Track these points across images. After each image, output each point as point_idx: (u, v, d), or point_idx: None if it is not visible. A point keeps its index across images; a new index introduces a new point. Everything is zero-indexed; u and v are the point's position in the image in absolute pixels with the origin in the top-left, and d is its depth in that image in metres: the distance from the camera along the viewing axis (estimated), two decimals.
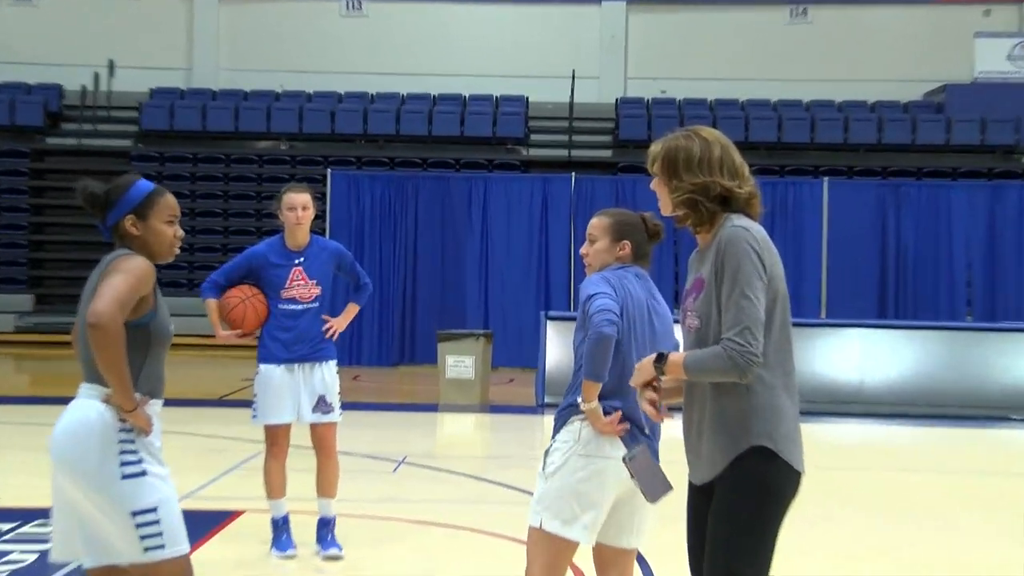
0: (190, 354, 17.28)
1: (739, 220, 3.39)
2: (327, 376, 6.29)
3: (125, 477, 3.63)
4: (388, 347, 17.58)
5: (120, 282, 3.63)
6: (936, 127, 21.24)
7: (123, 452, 3.66)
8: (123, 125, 22.04)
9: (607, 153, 21.88)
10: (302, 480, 6.76)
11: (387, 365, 17.45)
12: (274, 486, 6.26)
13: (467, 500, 8.17)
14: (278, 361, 6.22)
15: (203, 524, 6.43)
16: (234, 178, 21.19)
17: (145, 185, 3.88)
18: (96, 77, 21.49)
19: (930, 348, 13.39)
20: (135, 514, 3.62)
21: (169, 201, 3.89)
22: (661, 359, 3.38)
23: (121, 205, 3.85)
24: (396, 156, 21.06)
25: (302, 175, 20.74)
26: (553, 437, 4.23)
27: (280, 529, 6.27)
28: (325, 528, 6.34)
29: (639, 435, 4.10)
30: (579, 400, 4.12)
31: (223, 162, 21.31)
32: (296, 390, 6.22)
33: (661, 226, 4.37)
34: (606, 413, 4.10)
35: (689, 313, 3.42)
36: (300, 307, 6.22)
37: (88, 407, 3.67)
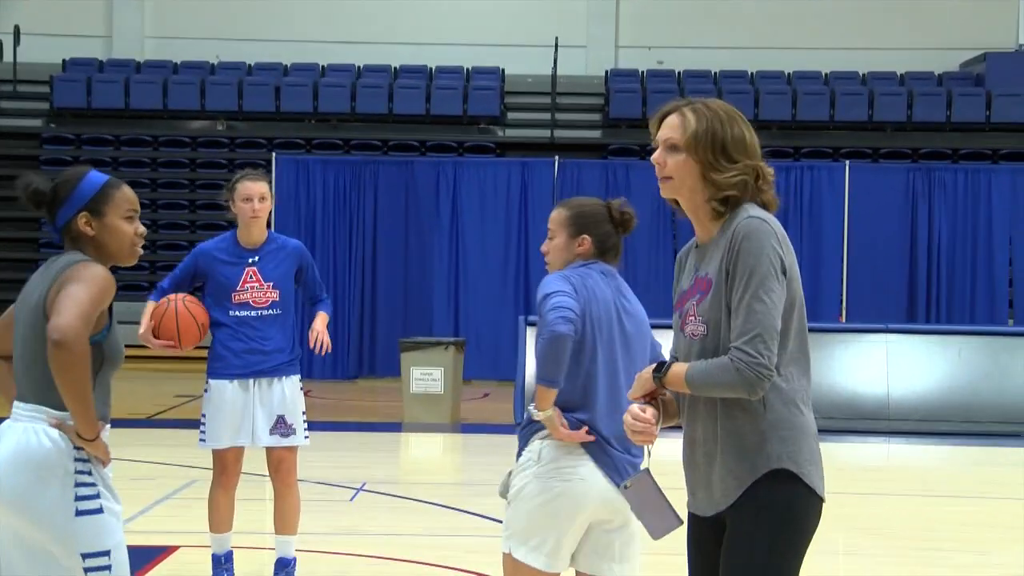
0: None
1: (755, 210, 3.38)
2: (288, 393, 6.31)
3: (80, 513, 3.66)
4: (344, 358, 17.65)
5: (83, 294, 3.64)
6: (974, 102, 21.46)
7: (79, 485, 3.69)
8: (32, 102, 22.03)
9: (595, 134, 22.00)
10: (247, 510, 6.84)
11: (343, 378, 17.53)
12: (220, 519, 6.29)
13: (436, 532, 8.26)
14: (230, 376, 6.23)
15: (133, 561, 6.50)
16: (163, 163, 21.22)
17: (97, 177, 3.94)
18: (0, 46, 21.47)
19: (966, 356, 13.55)
20: (86, 556, 3.65)
21: (127, 194, 3.95)
22: (661, 369, 3.39)
23: (72, 202, 3.88)
24: (352, 138, 21.11)
25: (243, 159, 20.77)
26: (517, 457, 4.39)
27: (220, 568, 6.33)
28: (283, 571, 6.38)
29: (613, 452, 4.26)
30: (531, 409, 4.25)
31: (150, 145, 21.33)
32: (250, 409, 6.25)
33: (631, 215, 4.55)
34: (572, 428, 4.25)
35: (691, 318, 3.39)
36: (254, 313, 6.24)
37: (34, 432, 3.67)
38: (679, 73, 22.33)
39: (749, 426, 3.32)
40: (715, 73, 22.29)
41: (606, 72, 22.51)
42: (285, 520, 6.38)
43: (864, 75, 22.28)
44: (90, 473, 3.71)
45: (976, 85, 22.10)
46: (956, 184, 18.11)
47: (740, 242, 3.31)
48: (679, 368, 3.36)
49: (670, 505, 3.52)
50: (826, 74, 22.29)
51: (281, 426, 6.30)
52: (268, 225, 6.49)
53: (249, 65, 22.39)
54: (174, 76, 21.90)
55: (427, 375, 13.48)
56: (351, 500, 9.29)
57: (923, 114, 21.38)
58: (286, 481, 6.36)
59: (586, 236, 4.47)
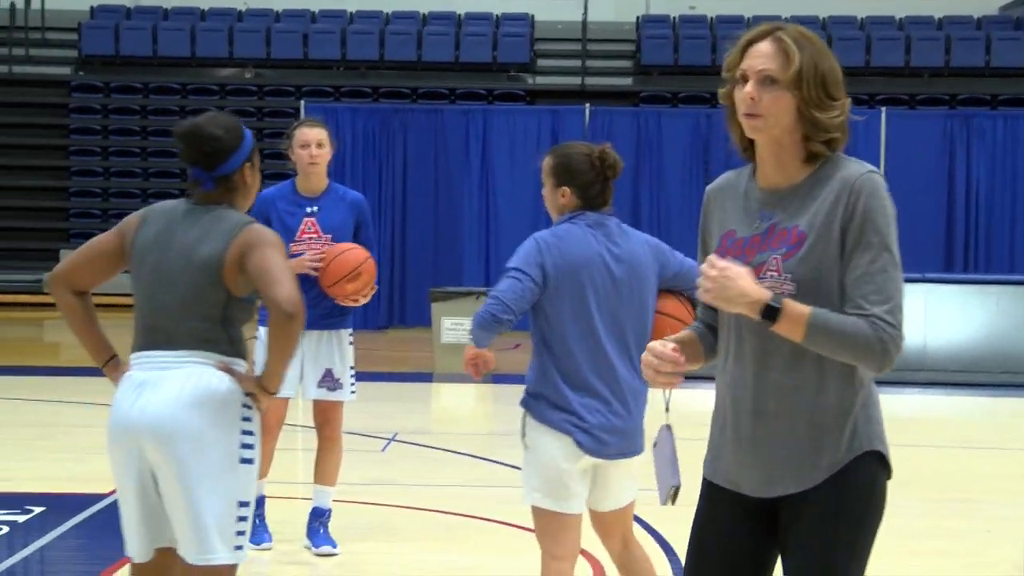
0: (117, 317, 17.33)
1: (862, 163, 3.04)
2: (338, 347, 6.31)
3: (242, 461, 3.79)
4: (374, 308, 17.65)
5: (281, 259, 3.80)
6: (1014, 47, 21.21)
7: (243, 432, 3.80)
8: (60, 50, 22.02)
9: (627, 81, 21.86)
10: (277, 459, 6.84)
11: (373, 329, 17.54)
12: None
13: (467, 483, 8.27)
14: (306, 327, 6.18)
15: None
16: (191, 111, 21.11)
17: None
18: None
19: (1005, 306, 13.45)
20: (240, 505, 3.78)
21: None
22: (772, 308, 2.88)
23: (242, 150, 3.92)
24: (380, 85, 21.04)
25: (271, 108, 20.75)
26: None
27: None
28: (318, 520, 6.40)
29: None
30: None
31: (178, 93, 21.30)
32: (299, 360, 6.23)
33: (614, 159, 4.49)
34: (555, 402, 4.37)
35: (772, 274, 2.96)
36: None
37: (210, 375, 3.76)
38: (711, 19, 22.13)
39: (845, 402, 2.99)
40: (748, 18, 22.06)
41: (637, 18, 22.33)
42: (326, 472, 6.40)
43: (901, 20, 22.04)
44: (252, 421, 3.83)
45: (1016, 29, 21.84)
46: (995, 131, 17.93)
47: (867, 199, 2.95)
48: (800, 309, 2.89)
49: (676, 467, 3.25)
50: (862, 19, 22.06)
51: (328, 380, 6.30)
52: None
53: (277, 12, 22.31)
54: (202, 23, 21.84)
55: (458, 325, 13.47)
56: (383, 451, 9.30)
57: (961, 59, 21.15)
58: (331, 435, 6.39)
59: (566, 188, 4.46)
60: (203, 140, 3.88)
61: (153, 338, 3.84)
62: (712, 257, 2.95)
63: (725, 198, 3.16)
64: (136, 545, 3.85)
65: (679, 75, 21.38)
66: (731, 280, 2.90)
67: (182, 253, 3.82)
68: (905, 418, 11.70)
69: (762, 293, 2.90)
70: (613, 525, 4.52)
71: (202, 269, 3.79)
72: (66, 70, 21.83)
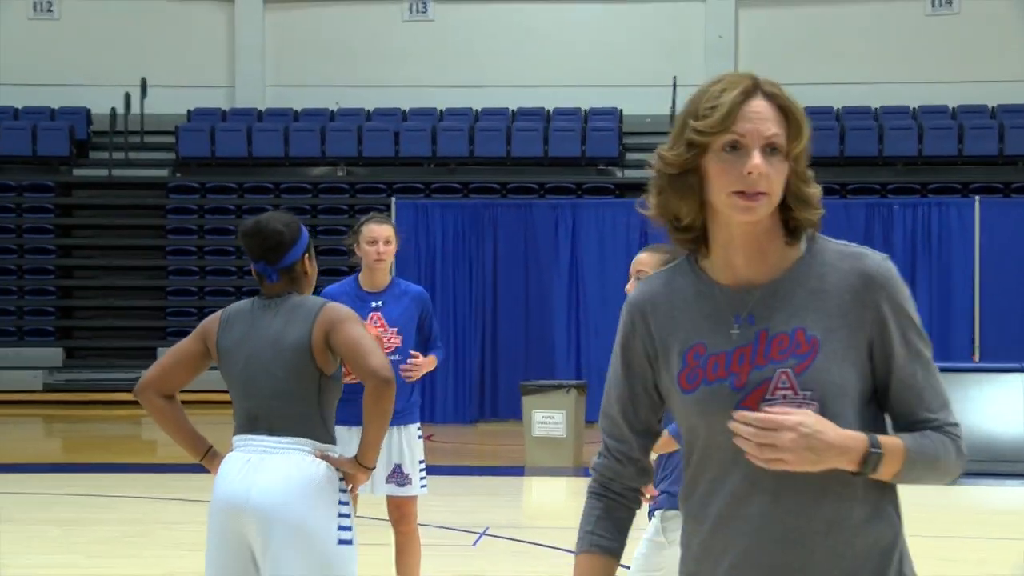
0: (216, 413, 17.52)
1: (855, 247, 2.50)
2: (406, 442, 6.34)
3: (340, 543, 4.04)
4: (465, 402, 17.72)
5: (364, 332, 4.16)
6: None
7: (341, 515, 4.07)
8: (158, 153, 22.53)
9: None
10: (369, 553, 6.87)
11: (465, 423, 17.58)
12: None
13: None
14: (351, 423, 6.13)
15: None
16: (285, 210, 21.51)
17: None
18: (127, 98, 22.01)
19: None
20: None
21: None
22: (874, 449, 2.34)
23: (301, 243, 4.26)
24: (470, 181, 21.25)
25: (363, 205, 21.03)
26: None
27: None
28: None
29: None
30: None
31: (272, 192, 21.68)
32: None
33: None
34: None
35: (782, 393, 2.38)
36: None
37: (310, 463, 4.03)
38: None
39: (888, 536, 2.43)
40: (837, 109, 22.09)
41: None
42: (408, 567, 6.43)
43: (993, 108, 21.91)
44: (348, 504, 4.12)
45: None
46: None
47: (894, 294, 2.41)
48: (895, 443, 2.37)
49: None
50: (953, 108, 21.96)
51: (397, 475, 6.32)
52: (390, 270, 6.53)
53: (368, 111, 22.68)
54: (295, 123, 22.25)
55: (549, 418, 13.46)
56: (474, 545, 9.29)
57: None
58: (405, 530, 6.41)
59: None
60: (266, 236, 4.21)
61: (254, 425, 4.11)
62: (748, 414, 2.32)
63: (670, 308, 2.50)
64: None
65: None
66: (817, 435, 2.30)
67: (271, 343, 4.11)
68: (1006, 510, 11.49)
69: (856, 438, 2.33)
70: None
71: (294, 354, 4.07)
72: (164, 172, 22.31)
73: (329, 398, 4.15)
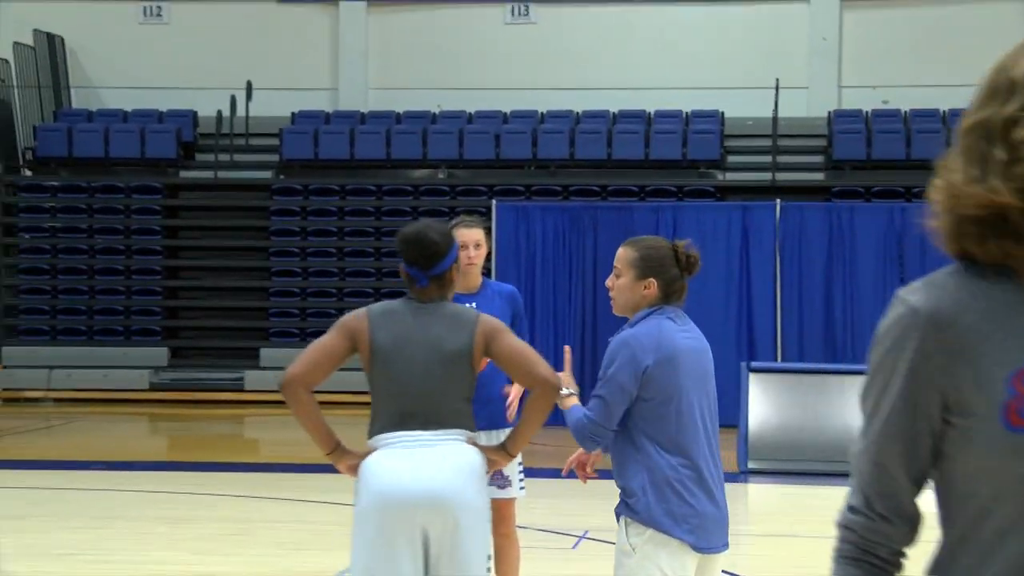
0: (347, 412, 17.66)
1: None
2: None
3: (488, 521, 4.52)
4: None
5: (527, 344, 4.66)
6: None
7: (485, 497, 4.53)
8: (263, 155, 22.81)
9: (819, 176, 21.70)
10: None
11: (565, 425, 17.55)
12: None
13: None
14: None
15: None
16: (387, 212, 21.70)
17: None
18: (233, 101, 22.30)
19: None
20: (488, 557, 4.49)
21: None
22: None
23: (452, 252, 4.60)
24: (571, 184, 21.26)
25: (463, 207, 21.11)
26: None
27: None
28: None
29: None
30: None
31: (374, 194, 21.85)
32: None
33: (696, 257, 4.62)
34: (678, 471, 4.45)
35: None
36: None
37: (469, 450, 4.46)
38: (905, 112, 21.89)
39: None
40: (943, 112, 21.78)
41: (829, 113, 22.20)
42: (506, 570, 6.46)
43: None
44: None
45: None
46: None
47: None
48: None
49: None
50: None
51: (497, 478, 6.34)
52: (488, 273, 6.55)
53: (470, 113, 22.77)
54: (397, 126, 22.41)
55: None
56: (573, 548, 9.30)
57: None
58: (504, 532, 6.43)
59: (653, 280, 4.56)
60: (426, 244, 4.51)
61: (406, 421, 4.42)
62: None
63: (983, 321, 1.94)
64: None
65: (872, 169, 21.17)
66: None
67: (432, 346, 4.46)
68: None
69: None
70: None
71: (455, 358, 4.45)
72: (267, 174, 22.57)
73: (472, 396, 4.55)
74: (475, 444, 4.51)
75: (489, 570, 4.49)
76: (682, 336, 4.51)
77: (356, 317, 4.53)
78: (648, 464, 4.44)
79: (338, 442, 4.52)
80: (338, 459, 4.53)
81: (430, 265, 4.51)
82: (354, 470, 4.48)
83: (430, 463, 4.36)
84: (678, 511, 4.37)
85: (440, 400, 4.45)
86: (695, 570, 4.45)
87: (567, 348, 5.11)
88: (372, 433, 4.47)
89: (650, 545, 4.42)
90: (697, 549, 4.37)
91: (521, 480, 6.42)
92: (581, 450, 4.77)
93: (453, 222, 6.51)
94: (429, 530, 4.32)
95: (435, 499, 4.31)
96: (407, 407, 4.42)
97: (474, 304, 6.33)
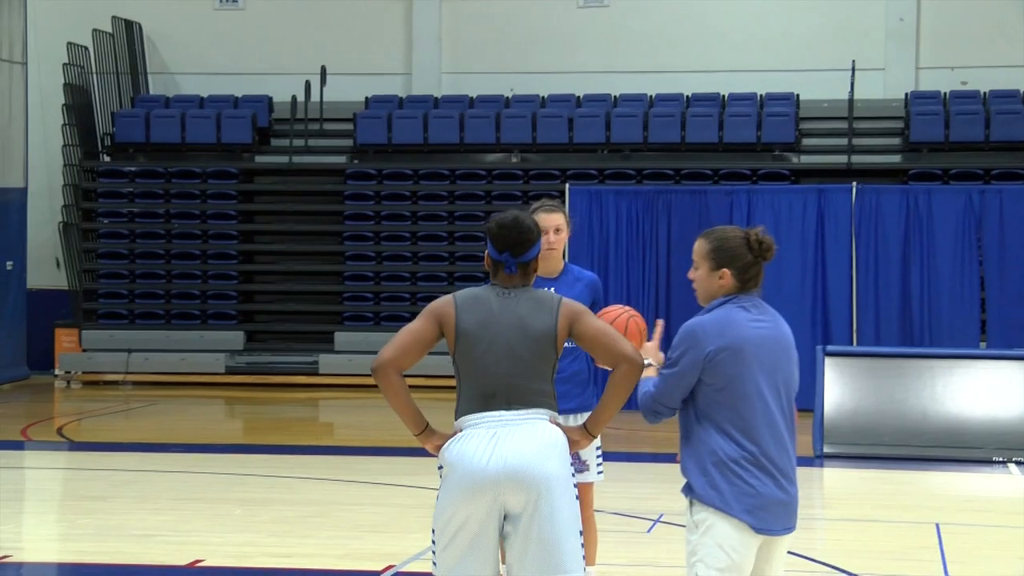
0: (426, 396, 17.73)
1: None
2: None
3: (576, 498, 4.65)
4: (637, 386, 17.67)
5: (609, 325, 4.84)
6: None
7: (572, 474, 4.69)
8: (337, 140, 22.91)
9: (895, 158, 21.46)
10: None
11: (638, 408, 17.51)
12: None
13: None
14: None
15: None
16: (460, 196, 21.74)
17: None
18: (307, 86, 22.41)
19: None
20: (580, 533, 4.63)
21: None
22: None
23: (539, 244, 4.81)
24: (644, 167, 21.18)
25: (536, 191, 21.12)
26: None
27: None
28: None
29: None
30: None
31: (447, 178, 21.89)
32: None
33: (770, 243, 4.74)
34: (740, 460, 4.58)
35: None
36: None
37: (552, 428, 4.64)
38: (985, 94, 21.58)
39: None
40: (1023, 92, 21.47)
41: (906, 95, 21.94)
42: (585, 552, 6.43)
43: None
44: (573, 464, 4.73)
45: None
46: None
47: None
48: None
49: None
50: None
51: (575, 461, 6.32)
52: (564, 256, 6.53)
53: (543, 97, 22.74)
54: (470, 110, 22.42)
55: None
56: (648, 532, 9.28)
57: None
58: (584, 516, 6.40)
59: (726, 270, 4.72)
60: (522, 231, 4.73)
61: (490, 402, 4.61)
62: None
63: None
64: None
65: (950, 151, 20.90)
66: None
67: (517, 328, 4.64)
68: None
69: None
70: None
71: (540, 340, 4.63)
72: (342, 159, 22.68)
73: (553, 376, 4.72)
74: (556, 423, 4.67)
75: (582, 545, 4.63)
76: (752, 324, 4.63)
77: (443, 303, 4.71)
78: (711, 446, 4.60)
79: (427, 423, 4.71)
80: (426, 439, 4.72)
81: (522, 252, 4.72)
82: (441, 450, 4.68)
83: (513, 441, 4.52)
84: (737, 492, 4.53)
85: (523, 381, 4.61)
86: (758, 550, 4.59)
87: (660, 321, 5.30)
88: (458, 414, 4.66)
89: (711, 523, 4.56)
90: (757, 530, 4.53)
91: (599, 464, 6.42)
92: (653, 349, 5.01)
93: (533, 207, 6.50)
94: (515, 507, 4.51)
95: (519, 476, 4.49)
96: (491, 388, 4.61)
97: (553, 289, 6.32)
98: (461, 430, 4.64)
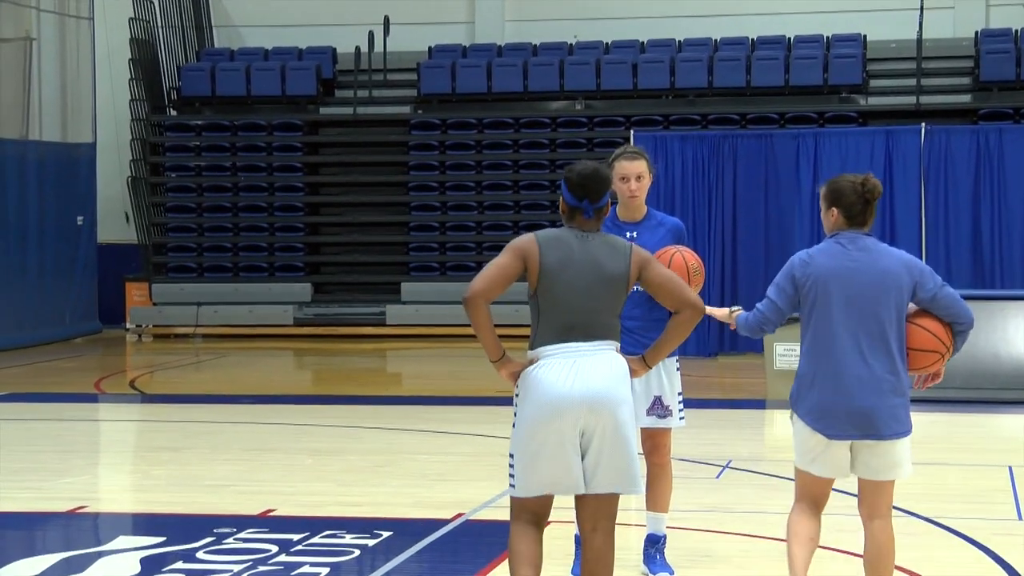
0: (454, 347, 17.77)
1: None
2: (666, 375, 6.35)
3: (634, 420, 5.13)
4: (706, 334, 17.61)
5: (674, 272, 5.40)
6: None
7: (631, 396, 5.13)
8: (401, 90, 22.90)
9: (965, 98, 21.15)
10: None
11: (705, 355, 17.51)
12: None
13: None
14: None
15: (503, 536, 6.69)
16: (524, 145, 21.68)
17: None
18: (371, 37, 22.39)
19: None
20: (635, 453, 5.07)
21: None
22: None
23: (610, 191, 5.23)
24: (709, 112, 21.01)
25: (601, 138, 21.03)
26: None
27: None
28: (654, 547, 6.48)
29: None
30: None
31: (512, 127, 21.83)
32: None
33: (874, 184, 5.37)
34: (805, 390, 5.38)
35: None
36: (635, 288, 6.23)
37: (620, 358, 5.10)
38: None
39: None
40: None
41: (976, 33, 21.59)
42: (659, 498, 6.45)
43: None
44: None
45: None
46: None
47: None
48: None
49: None
50: None
51: (658, 407, 6.34)
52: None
53: (606, 44, 22.59)
54: (534, 58, 22.32)
55: (790, 351, 13.30)
56: (717, 477, 9.28)
57: None
58: (661, 462, 6.43)
59: (835, 209, 5.39)
60: (600, 180, 5.13)
61: (570, 334, 5.03)
62: None
63: None
64: (545, 488, 5.02)
65: (1021, 90, 20.56)
66: None
67: (593, 268, 5.06)
68: None
69: None
70: (863, 494, 5.45)
71: (613, 281, 5.07)
72: (406, 109, 22.67)
73: (620, 314, 5.17)
74: (621, 354, 5.13)
75: (640, 454, 5.17)
76: (842, 258, 5.30)
77: (527, 240, 5.11)
78: (800, 357, 5.41)
79: (505, 351, 5.10)
80: (503, 365, 5.12)
81: (597, 198, 5.12)
82: (515, 377, 5.10)
83: (591, 370, 4.99)
84: (809, 400, 5.31)
85: (598, 316, 5.06)
86: (856, 453, 5.31)
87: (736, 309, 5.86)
88: (535, 344, 5.08)
89: (795, 420, 5.38)
90: (826, 435, 5.26)
91: (681, 410, 6.41)
92: (723, 310, 5.81)
93: (616, 152, 6.47)
94: (589, 428, 4.97)
95: (597, 400, 4.95)
96: (570, 321, 5.04)
97: (635, 233, 6.31)
98: (539, 358, 5.06)
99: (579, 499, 5.11)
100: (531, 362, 5.09)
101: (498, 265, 5.07)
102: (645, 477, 6.50)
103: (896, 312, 5.27)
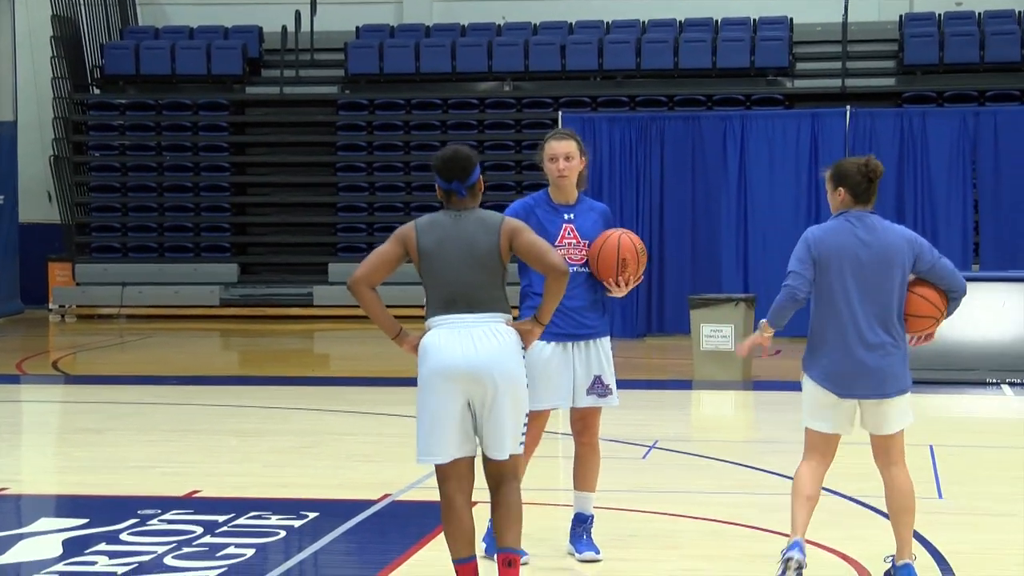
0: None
1: None
2: (604, 355, 6.38)
3: (526, 385, 5.43)
4: (632, 316, 17.69)
5: (541, 239, 5.52)
6: None
7: (521, 366, 5.42)
8: (328, 70, 22.76)
9: (889, 81, 21.36)
10: (537, 466, 6.92)
11: (632, 337, 17.57)
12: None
13: (729, 490, 8.23)
14: (548, 338, 6.18)
15: (429, 517, 6.68)
16: (452, 125, 21.63)
17: None
18: (298, 16, 22.23)
19: None
20: (525, 416, 5.42)
21: None
22: None
23: (478, 166, 5.55)
24: (637, 94, 21.07)
25: (529, 120, 21.03)
26: None
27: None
28: (581, 527, 6.49)
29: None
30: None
31: (440, 107, 21.77)
32: (570, 370, 6.31)
33: (875, 165, 5.82)
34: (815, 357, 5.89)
35: None
36: (572, 269, 6.13)
37: (507, 328, 5.40)
38: (979, 15, 21.45)
39: None
40: (1019, 12, 21.33)
41: (900, 17, 21.80)
42: (587, 478, 6.47)
43: None
44: (523, 357, 5.47)
45: None
46: None
47: None
48: None
49: None
50: None
51: (598, 386, 6.36)
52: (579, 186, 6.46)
53: (535, 25, 22.57)
54: (462, 39, 22.26)
55: (717, 332, 13.39)
56: (643, 458, 9.32)
57: None
58: (590, 441, 6.46)
59: (841, 188, 5.87)
60: (462, 160, 5.51)
61: (453, 307, 5.37)
62: None
63: None
64: (447, 453, 5.34)
65: (944, 74, 20.80)
66: None
67: (467, 246, 5.38)
68: None
69: None
70: (877, 447, 5.92)
71: (486, 253, 5.38)
72: (333, 89, 22.54)
73: (505, 283, 5.43)
74: (510, 324, 5.42)
75: (523, 435, 5.42)
76: (846, 234, 5.81)
77: (406, 227, 5.53)
78: (811, 324, 5.87)
79: (400, 327, 5.52)
80: (402, 340, 5.56)
81: (465, 177, 5.47)
82: (415, 348, 5.47)
83: (477, 340, 5.32)
84: (818, 361, 5.83)
85: (479, 289, 5.38)
86: (864, 410, 5.82)
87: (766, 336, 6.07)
88: (427, 316, 5.46)
89: (805, 380, 5.88)
90: (837, 394, 5.77)
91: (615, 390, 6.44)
92: (755, 334, 6.02)
93: (548, 135, 6.48)
94: (474, 396, 5.32)
95: (477, 370, 5.28)
96: (450, 295, 5.39)
97: (572, 215, 6.31)
98: (431, 329, 5.42)
99: (483, 460, 5.47)
100: (424, 334, 5.44)
101: (379, 252, 5.51)
102: (573, 457, 6.54)
103: (899, 282, 5.77)
